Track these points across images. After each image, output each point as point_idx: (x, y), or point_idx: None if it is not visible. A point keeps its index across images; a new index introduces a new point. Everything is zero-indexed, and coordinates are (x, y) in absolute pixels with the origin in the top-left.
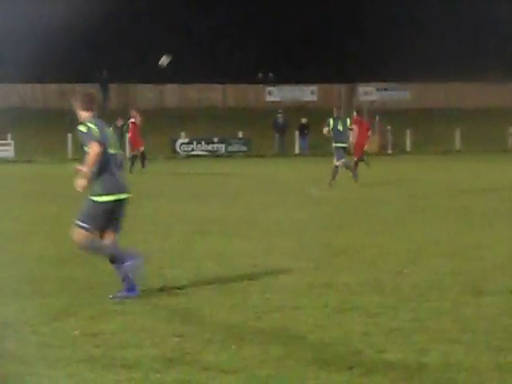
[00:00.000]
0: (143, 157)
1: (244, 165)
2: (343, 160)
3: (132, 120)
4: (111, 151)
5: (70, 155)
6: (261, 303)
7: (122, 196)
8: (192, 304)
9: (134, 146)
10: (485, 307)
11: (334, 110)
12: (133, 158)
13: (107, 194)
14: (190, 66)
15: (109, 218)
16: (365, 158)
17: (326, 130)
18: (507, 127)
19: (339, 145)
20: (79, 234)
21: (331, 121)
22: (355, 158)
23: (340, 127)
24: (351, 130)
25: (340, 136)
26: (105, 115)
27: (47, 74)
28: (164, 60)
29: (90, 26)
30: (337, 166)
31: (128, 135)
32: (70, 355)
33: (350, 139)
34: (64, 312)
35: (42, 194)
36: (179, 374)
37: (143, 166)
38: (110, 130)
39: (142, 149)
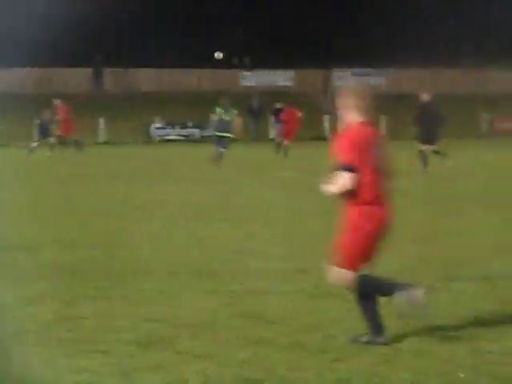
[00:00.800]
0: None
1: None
2: (222, 149)
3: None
4: None
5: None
6: (236, 288)
7: None
8: (167, 289)
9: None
10: (457, 293)
11: (220, 99)
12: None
13: None
14: (165, 51)
15: None
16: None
17: (213, 117)
18: (480, 113)
19: (221, 134)
20: None
21: (218, 109)
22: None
23: (224, 117)
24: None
25: (223, 125)
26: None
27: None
28: (218, 54)
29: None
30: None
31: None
32: (45, 340)
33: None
34: (39, 297)
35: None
36: (154, 359)
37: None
38: None
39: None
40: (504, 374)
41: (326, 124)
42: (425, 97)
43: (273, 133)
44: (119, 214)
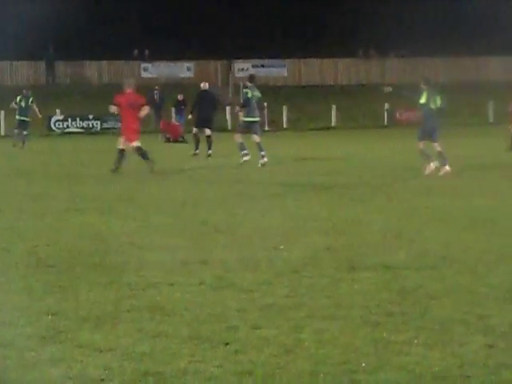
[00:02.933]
0: None
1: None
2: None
3: None
4: None
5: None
6: (136, 280)
7: None
8: (66, 282)
9: None
10: (360, 283)
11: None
12: None
13: None
14: (65, 43)
15: None
16: None
17: (13, 104)
18: (383, 104)
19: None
20: None
21: (18, 98)
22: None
23: (23, 103)
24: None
25: (23, 111)
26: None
27: None
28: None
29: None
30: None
31: None
32: None
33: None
34: None
35: None
36: (54, 352)
37: None
38: None
39: None
40: (406, 363)
41: (228, 116)
42: (203, 85)
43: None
44: (13, 207)
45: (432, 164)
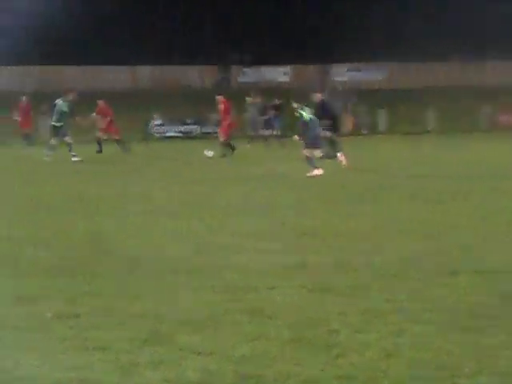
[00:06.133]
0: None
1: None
2: None
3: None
4: None
5: None
6: (236, 284)
7: None
8: (165, 285)
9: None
10: (459, 287)
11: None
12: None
13: None
14: (166, 47)
15: None
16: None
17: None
18: (480, 106)
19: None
20: None
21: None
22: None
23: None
24: None
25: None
26: None
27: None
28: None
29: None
30: None
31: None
32: (43, 337)
33: None
34: (38, 294)
35: (20, 176)
36: (153, 355)
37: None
38: None
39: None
40: (505, 367)
41: None
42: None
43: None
44: (108, 209)
45: None
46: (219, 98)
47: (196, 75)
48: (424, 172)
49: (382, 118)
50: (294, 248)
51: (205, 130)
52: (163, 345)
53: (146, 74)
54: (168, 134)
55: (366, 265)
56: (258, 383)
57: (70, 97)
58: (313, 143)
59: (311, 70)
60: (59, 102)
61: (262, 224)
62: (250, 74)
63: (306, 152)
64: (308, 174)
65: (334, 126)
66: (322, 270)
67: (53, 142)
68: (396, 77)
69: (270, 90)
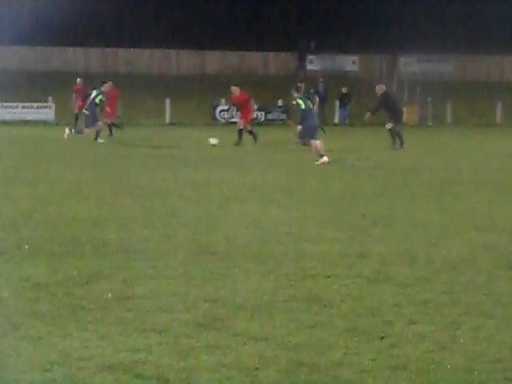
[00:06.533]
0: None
1: (283, 133)
2: None
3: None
4: None
5: None
6: (294, 271)
7: None
8: (225, 270)
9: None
10: None
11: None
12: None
13: None
14: (232, 33)
15: None
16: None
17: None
18: None
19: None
20: None
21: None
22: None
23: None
24: None
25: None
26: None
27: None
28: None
29: None
30: None
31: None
32: (102, 318)
33: None
34: (97, 275)
35: (78, 157)
36: (209, 340)
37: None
38: None
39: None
40: None
41: None
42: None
43: (337, 118)
44: (178, 194)
45: None
46: (235, 88)
47: (260, 62)
48: (495, 164)
49: (449, 110)
50: (358, 237)
51: (270, 116)
52: (220, 329)
53: (215, 60)
54: (233, 120)
55: (428, 256)
56: (311, 371)
57: (105, 88)
58: (309, 133)
59: (379, 60)
60: (95, 92)
61: (329, 212)
62: (317, 62)
63: (310, 143)
64: (316, 163)
65: (397, 118)
66: (383, 259)
67: (86, 130)
68: (465, 68)
69: (337, 79)
